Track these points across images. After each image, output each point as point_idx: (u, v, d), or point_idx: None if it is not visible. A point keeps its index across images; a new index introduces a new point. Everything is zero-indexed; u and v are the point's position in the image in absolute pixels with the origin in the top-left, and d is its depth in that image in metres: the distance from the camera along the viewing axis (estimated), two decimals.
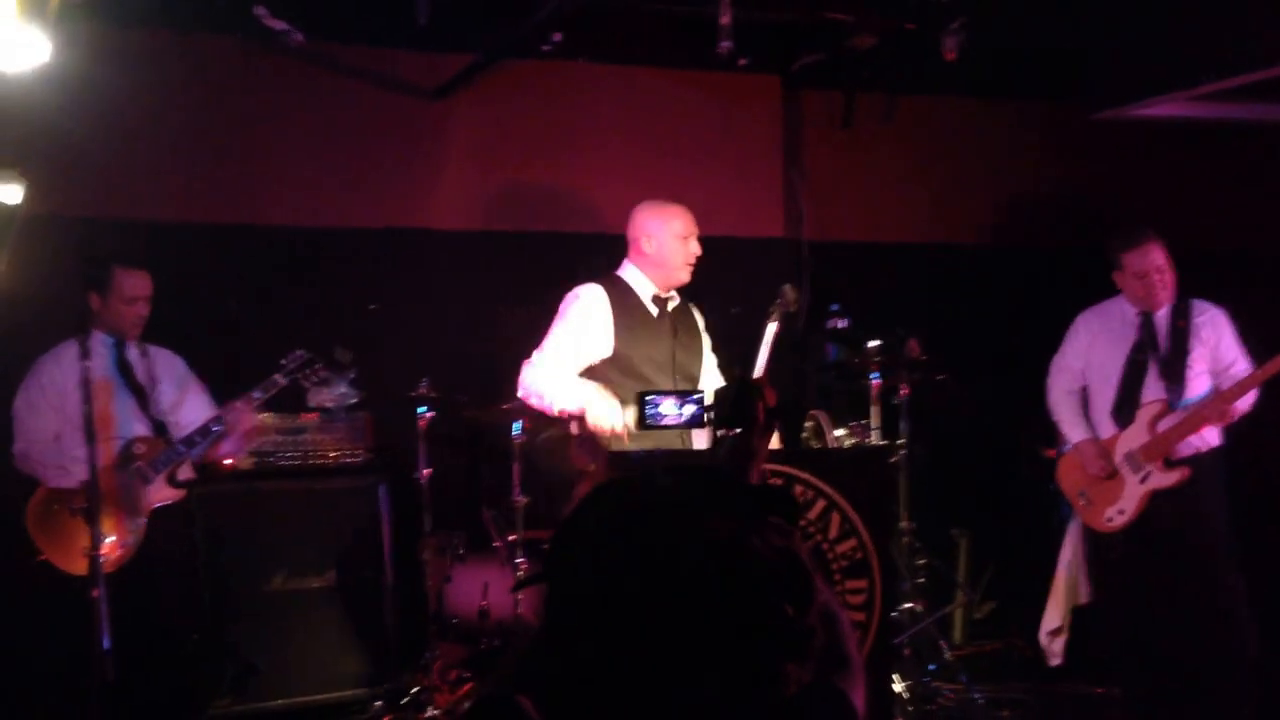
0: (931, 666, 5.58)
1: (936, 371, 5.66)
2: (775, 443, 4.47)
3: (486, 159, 6.06)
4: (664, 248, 4.71)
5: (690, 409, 2.18)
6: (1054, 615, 5.52)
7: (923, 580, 5.80)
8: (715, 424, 2.02)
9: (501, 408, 5.21)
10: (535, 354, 4.65)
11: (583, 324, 4.64)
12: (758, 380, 1.95)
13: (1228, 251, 6.48)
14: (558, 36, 5.41)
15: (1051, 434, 6.16)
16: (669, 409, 2.21)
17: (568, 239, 6.16)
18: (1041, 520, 6.09)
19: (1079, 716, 5.49)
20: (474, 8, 5.59)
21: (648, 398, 2.14)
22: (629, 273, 4.78)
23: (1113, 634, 5.26)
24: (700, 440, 4.53)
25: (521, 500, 5.09)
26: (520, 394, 4.64)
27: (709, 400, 2.39)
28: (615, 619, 1.39)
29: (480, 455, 5.80)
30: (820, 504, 4.01)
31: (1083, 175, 6.70)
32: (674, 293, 4.82)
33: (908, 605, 5.55)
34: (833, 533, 4.03)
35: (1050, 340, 5.66)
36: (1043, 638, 5.58)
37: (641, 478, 1.50)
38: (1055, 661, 5.51)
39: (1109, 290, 5.43)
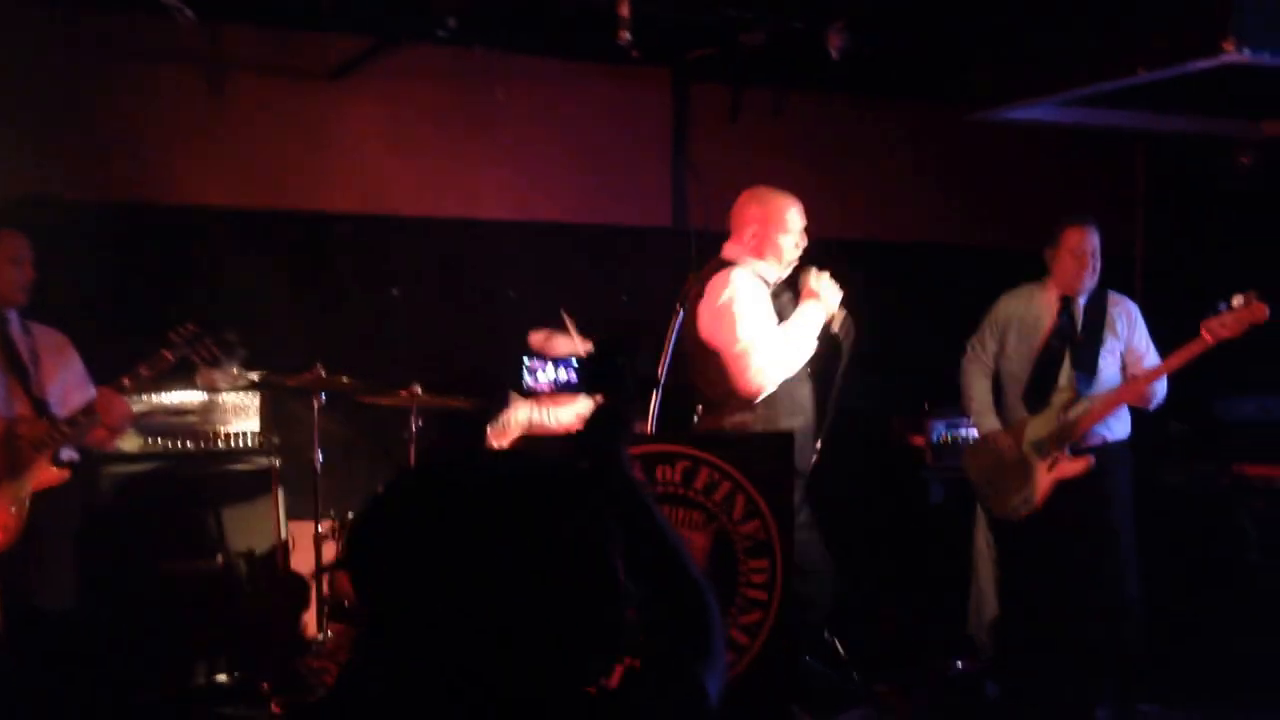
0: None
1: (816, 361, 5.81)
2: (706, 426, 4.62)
3: (384, 143, 6.04)
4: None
5: (565, 374, 2.13)
6: (989, 605, 5.63)
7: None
8: (584, 390, 2.00)
9: (399, 392, 5.21)
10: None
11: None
12: (626, 345, 1.92)
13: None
14: (453, 22, 5.40)
15: (920, 422, 6.39)
16: (545, 375, 2.16)
17: (461, 225, 6.19)
18: (912, 506, 6.30)
19: (955, 694, 5.65)
20: None
21: (527, 363, 2.10)
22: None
23: (1012, 619, 5.42)
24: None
25: None
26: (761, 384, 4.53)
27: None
28: (414, 611, 1.37)
29: (373, 439, 5.79)
30: (726, 486, 4.12)
31: (958, 175, 6.94)
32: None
33: None
34: (737, 514, 4.14)
35: (923, 333, 5.87)
36: (976, 628, 5.70)
37: (448, 464, 1.48)
38: (988, 654, 5.59)
39: (984, 287, 5.64)
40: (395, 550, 1.39)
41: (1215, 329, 4.84)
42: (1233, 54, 4.94)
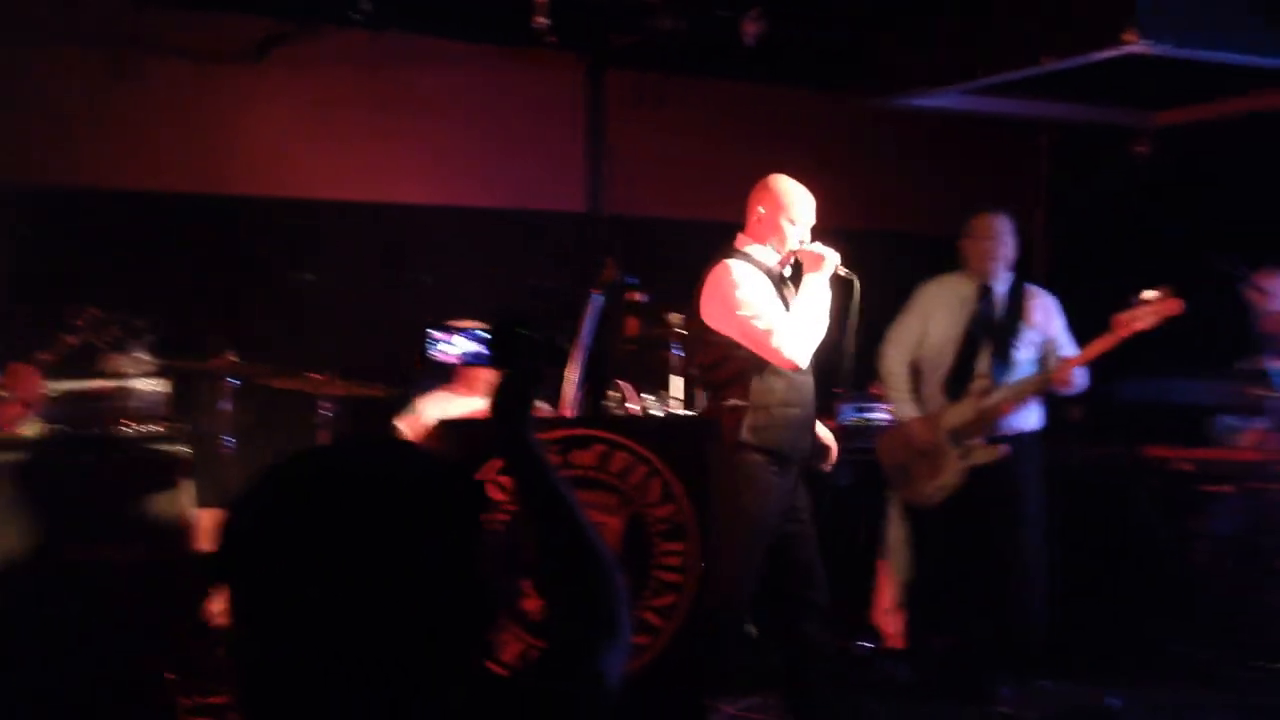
0: None
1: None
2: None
3: (299, 127, 5.99)
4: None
5: (469, 345, 2.05)
6: (890, 593, 5.70)
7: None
8: (489, 363, 1.86)
9: (311, 378, 5.17)
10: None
11: None
12: (535, 318, 1.84)
13: None
14: (368, 6, 5.36)
15: (830, 405, 6.46)
16: (449, 346, 2.08)
17: (377, 209, 6.16)
18: (821, 489, 6.37)
19: (863, 675, 5.70)
20: None
21: (433, 335, 2.04)
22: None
23: (920, 603, 5.51)
24: None
25: None
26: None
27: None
28: (277, 605, 1.36)
29: (285, 425, 5.73)
30: (641, 469, 4.14)
31: (867, 161, 7.02)
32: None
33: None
34: (652, 497, 4.17)
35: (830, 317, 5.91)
36: (879, 616, 5.78)
37: (315, 455, 1.47)
38: (893, 643, 5.63)
39: (889, 273, 5.72)
40: (256, 541, 1.38)
41: (1129, 322, 4.95)
42: (1134, 45, 5.05)
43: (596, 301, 4.51)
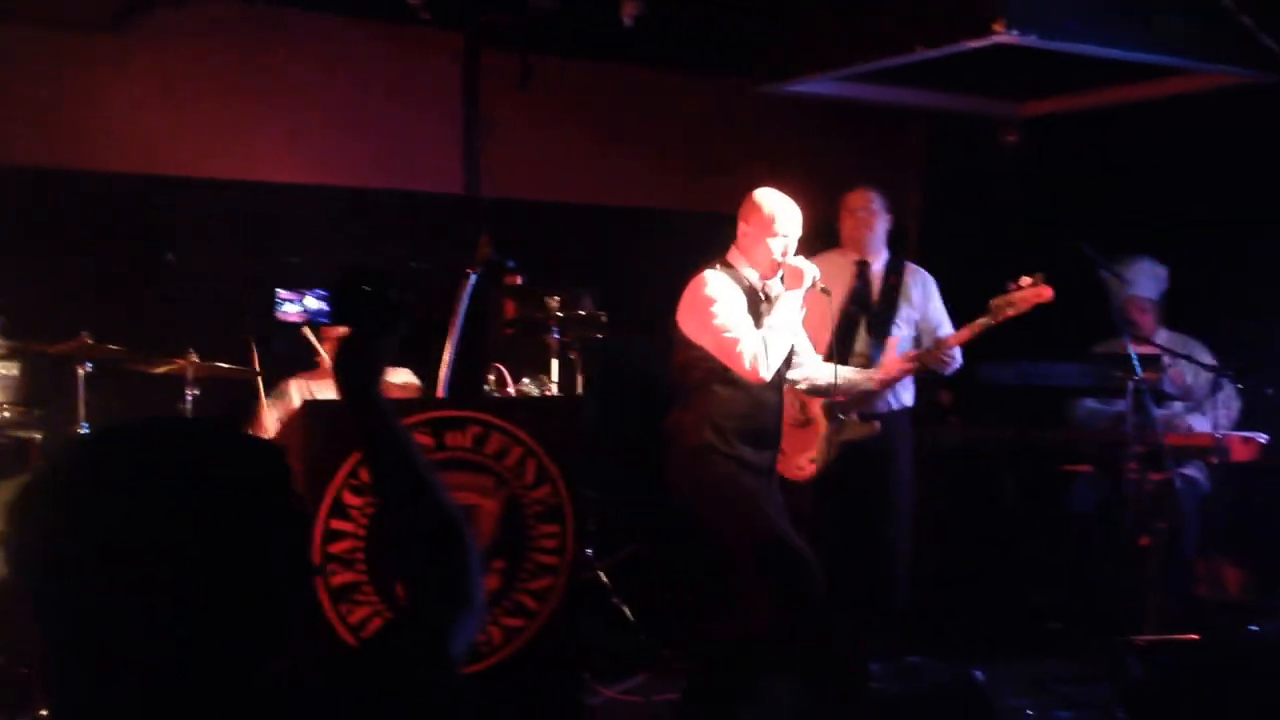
0: None
1: (608, 328, 5.85)
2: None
3: (162, 100, 5.81)
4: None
5: (314, 304, 1.99)
6: None
7: (594, 529, 6.04)
8: (333, 321, 1.79)
9: (173, 361, 5.03)
10: None
11: None
12: (381, 273, 1.78)
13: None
14: None
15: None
16: (297, 306, 2.02)
17: (243, 187, 6.00)
18: None
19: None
20: None
21: (280, 294, 1.95)
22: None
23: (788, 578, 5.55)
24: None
25: None
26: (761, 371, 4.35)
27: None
28: (62, 588, 1.32)
29: (146, 411, 5.56)
30: (517, 451, 4.12)
31: (744, 146, 7.04)
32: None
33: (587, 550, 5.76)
34: (528, 479, 4.15)
35: None
36: None
37: (109, 435, 1.42)
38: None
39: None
40: (42, 526, 1.34)
41: (1003, 307, 5.07)
42: (1003, 34, 5.16)
43: (471, 281, 4.46)
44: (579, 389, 5.90)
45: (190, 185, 5.88)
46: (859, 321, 5.36)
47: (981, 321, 5.11)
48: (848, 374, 5.08)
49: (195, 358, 5.09)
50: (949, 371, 5.31)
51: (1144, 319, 5.95)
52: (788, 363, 4.55)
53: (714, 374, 4.35)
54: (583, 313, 5.70)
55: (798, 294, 4.36)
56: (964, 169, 7.06)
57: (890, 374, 5.20)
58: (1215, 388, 5.48)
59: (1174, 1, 5.49)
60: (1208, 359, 5.87)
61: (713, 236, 7.06)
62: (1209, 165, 6.67)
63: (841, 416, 5.22)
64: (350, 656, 1.60)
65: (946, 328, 5.44)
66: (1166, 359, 5.64)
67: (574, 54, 6.66)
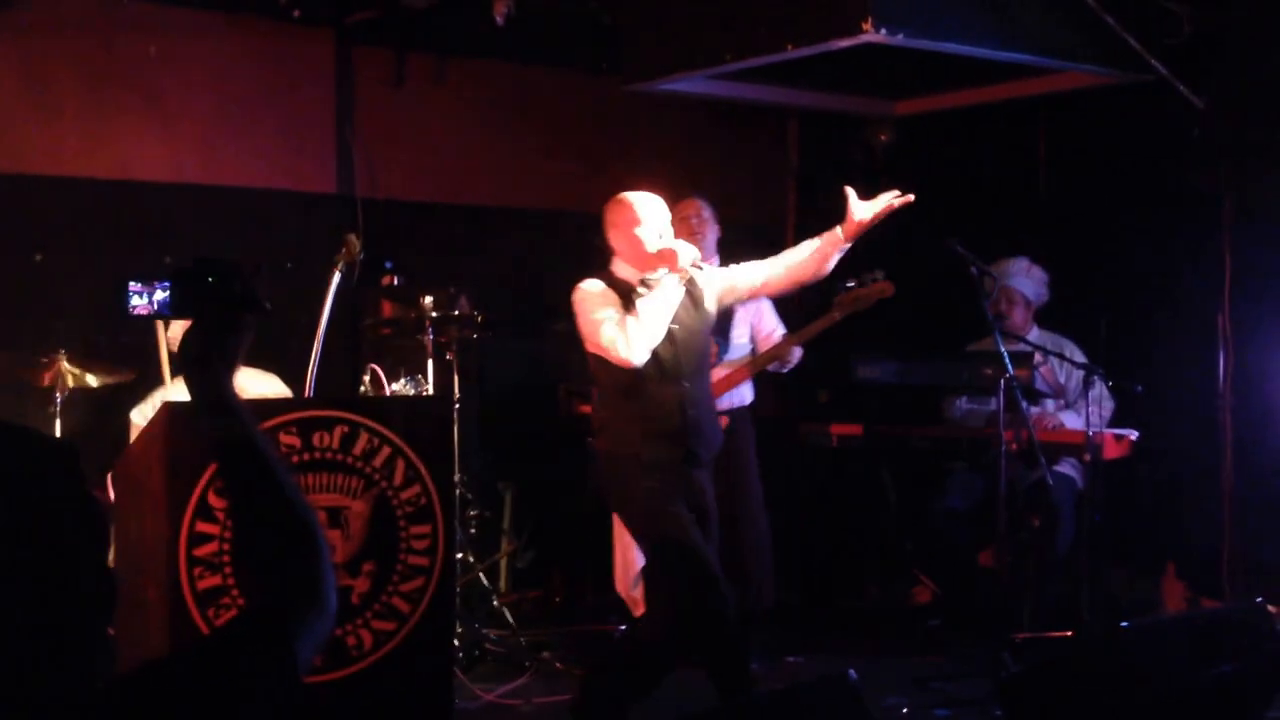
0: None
1: (484, 328, 5.80)
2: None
3: (25, 97, 5.61)
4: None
5: (160, 295, 1.95)
6: (632, 565, 5.69)
7: (473, 531, 5.97)
8: (175, 313, 1.79)
9: (40, 362, 4.88)
10: None
11: None
12: (225, 264, 1.74)
13: (744, 224, 7.04)
14: None
15: (588, 391, 6.46)
16: (145, 299, 1.97)
17: (111, 186, 5.82)
18: (579, 473, 6.38)
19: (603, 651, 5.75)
20: None
21: (131, 286, 1.92)
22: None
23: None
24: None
25: None
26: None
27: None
28: None
29: (13, 415, 5.35)
30: (385, 451, 4.04)
31: (616, 145, 7.02)
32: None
33: (459, 555, 5.68)
34: (398, 479, 4.08)
35: None
36: (626, 589, 5.77)
37: None
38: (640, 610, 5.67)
39: None
40: None
41: (844, 304, 5.16)
42: (871, 33, 5.21)
43: (335, 280, 4.37)
44: (455, 389, 5.83)
45: (56, 183, 5.69)
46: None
47: (825, 319, 5.22)
48: None
49: (64, 361, 4.96)
50: (787, 370, 5.44)
51: (1014, 311, 6.02)
52: (700, 357, 4.48)
53: (612, 377, 4.30)
54: (458, 312, 5.63)
55: (672, 276, 4.31)
56: (838, 166, 7.12)
57: (734, 380, 5.33)
58: (1088, 386, 5.57)
59: (1040, 1, 5.58)
60: (1080, 357, 5.97)
61: (589, 236, 7.07)
62: (1080, 164, 6.82)
63: None
64: (190, 652, 1.56)
65: (780, 330, 5.58)
66: (1038, 356, 5.72)
67: (448, 50, 6.57)
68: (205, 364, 1.69)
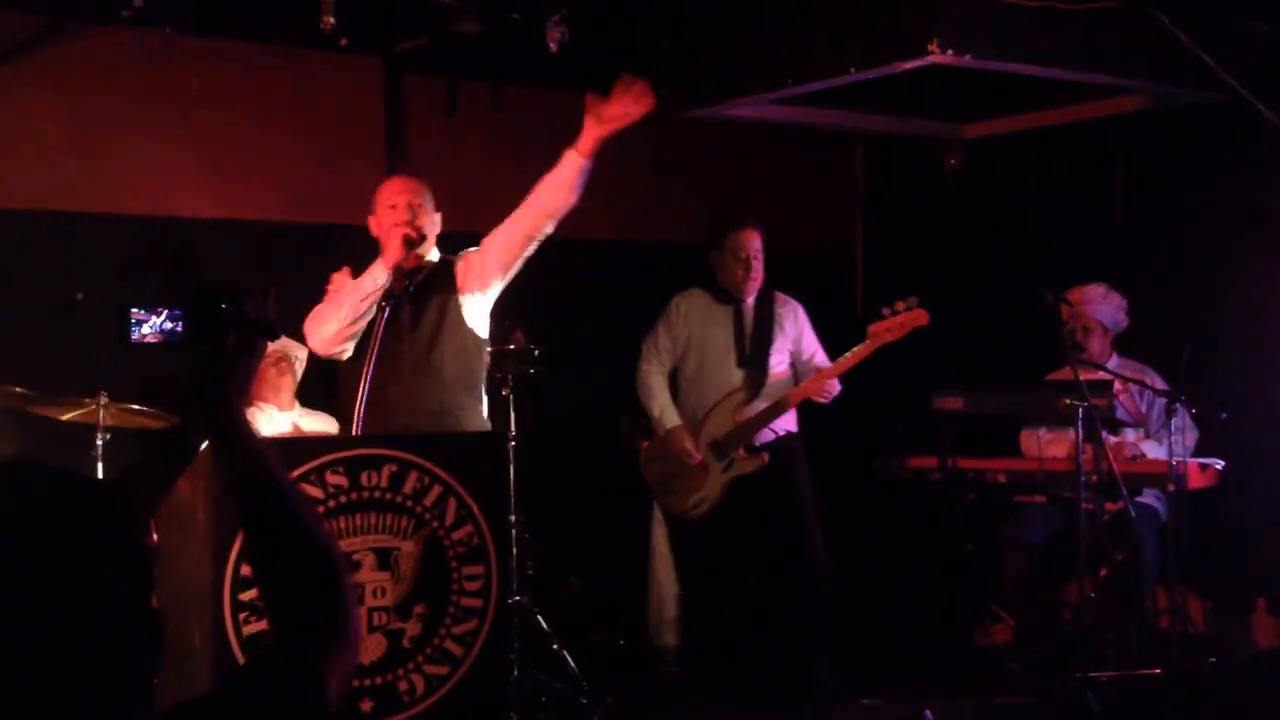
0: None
1: (541, 363, 5.67)
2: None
3: (65, 134, 5.55)
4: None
5: (168, 324, 1.90)
6: (666, 605, 5.56)
7: (531, 572, 5.80)
8: (188, 341, 1.78)
9: (83, 403, 4.78)
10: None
11: None
12: (235, 291, 1.71)
13: (811, 252, 6.89)
14: (139, 1, 5.02)
15: (650, 425, 6.31)
16: (151, 326, 1.92)
17: (155, 222, 5.75)
18: (641, 511, 6.21)
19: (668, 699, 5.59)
20: None
21: (134, 314, 1.88)
22: None
23: (694, 618, 5.40)
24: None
25: None
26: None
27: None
28: None
29: (53, 457, 5.26)
30: (436, 489, 3.89)
31: (679, 172, 6.89)
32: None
33: (516, 597, 5.53)
34: (449, 519, 3.92)
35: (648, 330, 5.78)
36: (658, 630, 5.62)
37: None
38: (669, 640, 5.55)
39: (705, 281, 5.62)
40: None
41: (880, 333, 5.02)
42: (937, 54, 5.09)
43: (385, 314, 4.24)
44: (512, 425, 5.68)
45: (97, 220, 5.62)
46: (735, 356, 5.32)
47: (862, 349, 5.10)
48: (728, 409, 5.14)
49: (106, 399, 4.84)
50: (829, 400, 5.27)
51: (1091, 339, 5.83)
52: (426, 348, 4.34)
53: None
54: (513, 347, 5.49)
55: (379, 267, 4.21)
56: (908, 192, 6.96)
57: (775, 413, 5.20)
58: (1170, 414, 5.35)
59: (1110, 19, 5.41)
60: (1161, 384, 5.76)
61: (654, 265, 6.93)
62: (1158, 185, 6.61)
63: (729, 453, 5.16)
64: (222, 688, 1.52)
65: (820, 355, 5.44)
66: (1118, 385, 5.53)
67: (500, 78, 6.46)
68: (210, 393, 1.64)
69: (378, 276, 4.19)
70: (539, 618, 5.70)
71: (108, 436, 4.78)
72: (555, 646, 5.65)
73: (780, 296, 5.44)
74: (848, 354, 5.19)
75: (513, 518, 5.57)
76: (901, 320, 5.04)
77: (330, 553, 1.59)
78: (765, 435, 5.24)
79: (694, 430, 5.28)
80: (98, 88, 5.64)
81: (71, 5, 5.24)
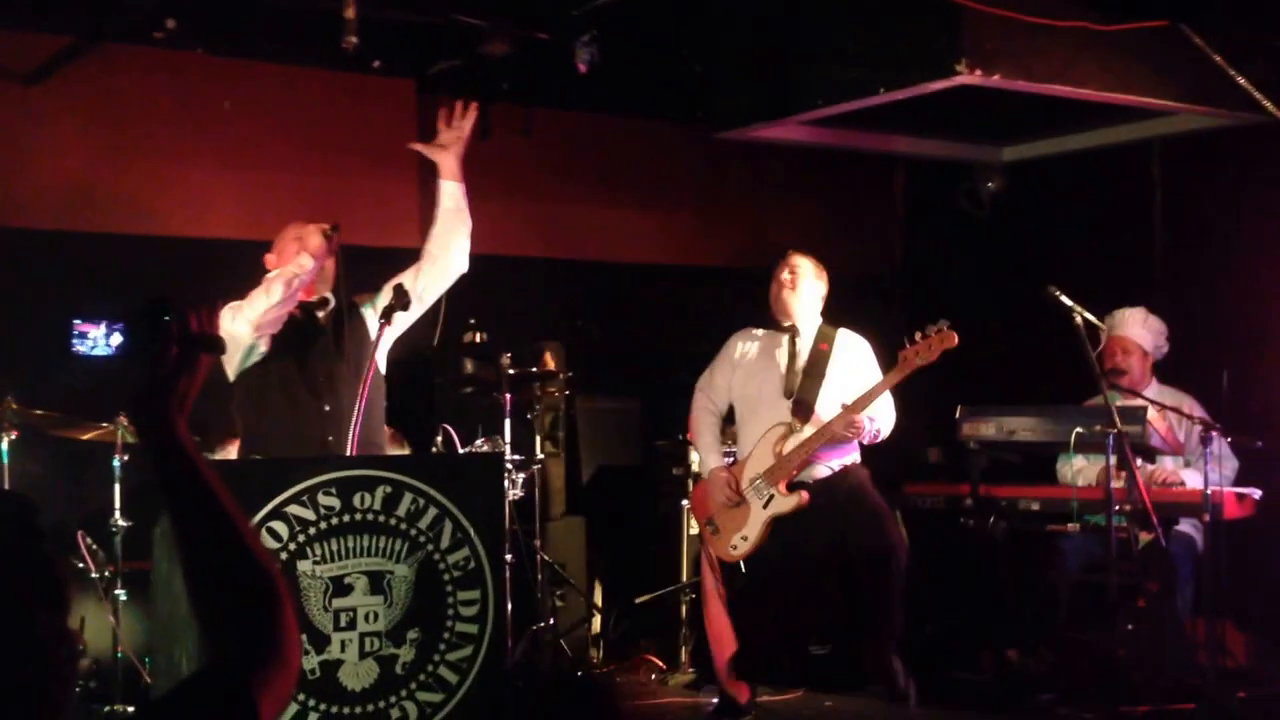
0: None
1: (570, 386, 5.66)
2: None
3: (93, 154, 5.64)
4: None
5: (117, 338, 1.92)
6: (726, 644, 5.42)
7: (560, 603, 5.78)
8: (134, 354, 1.78)
9: (102, 425, 4.84)
10: None
11: None
12: (180, 303, 1.72)
13: (852, 276, 6.79)
14: (171, 23, 5.09)
15: (683, 453, 6.26)
16: (98, 342, 1.94)
17: (185, 244, 5.81)
18: (675, 536, 6.18)
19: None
20: None
21: (78, 327, 1.89)
22: None
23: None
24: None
25: (123, 525, 4.73)
26: None
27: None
28: None
29: (72, 478, 5.31)
30: (432, 512, 3.88)
31: (714, 195, 6.86)
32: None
33: (541, 625, 5.52)
34: (445, 542, 3.90)
35: (682, 355, 5.75)
36: (726, 671, 5.50)
37: None
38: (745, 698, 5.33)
39: (742, 306, 5.57)
40: None
41: (910, 358, 4.89)
42: (965, 75, 5.02)
43: (385, 332, 4.25)
44: (537, 449, 5.68)
45: (126, 241, 5.69)
46: (786, 390, 5.16)
47: (891, 376, 4.97)
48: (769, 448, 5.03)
49: (126, 421, 4.90)
50: (868, 439, 5.11)
51: (1130, 363, 5.68)
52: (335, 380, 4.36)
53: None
54: (535, 370, 5.47)
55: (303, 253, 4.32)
56: (946, 215, 6.87)
57: (808, 447, 5.02)
58: (1205, 442, 5.20)
59: (1145, 40, 5.29)
60: (1199, 412, 5.60)
61: (685, 289, 6.90)
62: (1198, 208, 6.47)
63: (770, 490, 5.03)
64: (151, 709, 1.58)
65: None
66: (1152, 411, 5.38)
67: (532, 101, 6.47)
68: (151, 404, 1.63)
69: (303, 262, 4.26)
70: (564, 647, 5.68)
71: (126, 457, 4.83)
72: (580, 675, 5.63)
73: (843, 331, 5.29)
74: (876, 384, 5.03)
75: (537, 542, 5.58)
76: (931, 343, 4.89)
77: (268, 572, 1.56)
78: (820, 471, 5.09)
79: (739, 467, 5.16)
80: (130, 108, 5.72)
81: (104, 26, 5.30)
